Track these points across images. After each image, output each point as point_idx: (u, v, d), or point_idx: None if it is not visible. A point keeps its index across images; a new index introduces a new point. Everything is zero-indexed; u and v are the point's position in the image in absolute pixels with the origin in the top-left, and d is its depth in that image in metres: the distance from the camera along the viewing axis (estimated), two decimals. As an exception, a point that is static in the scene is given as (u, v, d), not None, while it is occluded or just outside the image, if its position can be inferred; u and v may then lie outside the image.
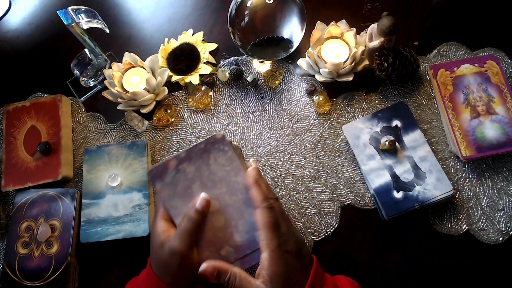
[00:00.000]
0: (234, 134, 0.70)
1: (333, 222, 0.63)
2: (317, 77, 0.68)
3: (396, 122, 0.64)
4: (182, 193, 0.49)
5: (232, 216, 0.49)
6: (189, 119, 0.72)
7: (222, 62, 0.75)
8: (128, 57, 0.71)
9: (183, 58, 0.74)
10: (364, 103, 0.69)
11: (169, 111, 0.71)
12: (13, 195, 0.71)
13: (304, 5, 0.68)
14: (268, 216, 0.46)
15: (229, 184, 0.49)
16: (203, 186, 0.49)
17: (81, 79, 0.74)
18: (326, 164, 0.66)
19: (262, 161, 0.68)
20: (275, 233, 0.45)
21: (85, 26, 0.65)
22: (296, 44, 0.69)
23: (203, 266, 0.46)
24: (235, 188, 0.49)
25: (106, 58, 0.76)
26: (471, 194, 0.62)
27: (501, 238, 0.60)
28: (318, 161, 0.67)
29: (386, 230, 0.62)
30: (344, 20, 0.68)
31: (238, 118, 0.71)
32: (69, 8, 0.64)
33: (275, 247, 0.45)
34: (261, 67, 0.74)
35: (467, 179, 0.63)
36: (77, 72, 0.73)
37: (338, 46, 0.68)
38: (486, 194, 0.62)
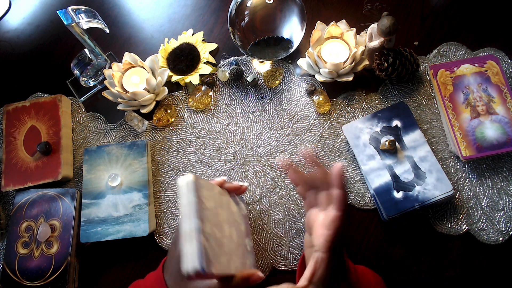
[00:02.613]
0: (234, 134, 0.70)
1: (333, 222, 0.63)
2: (317, 77, 0.68)
3: (396, 122, 0.64)
4: (218, 250, 0.46)
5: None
6: (189, 119, 0.72)
7: (222, 62, 0.75)
8: (128, 57, 0.71)
9: (183, 58, 0.74)
10: (364, 103, 0.69)
11: (169, 111, 0.71)
12: (13, 195, 0.71)
13: (304, 5, 0.68)
14: (342, 223, 0.46)
15: (219, 204, 0.50)
16: (218, 226, 0.47)
17: (81, 79, 0.74)
18: (326, 164, 0.66)
19: (262, 161, 0.68)
20: (339, 237, 0.45)
21: (85, 26, 0.65)
22: (296, 44, 0.69)
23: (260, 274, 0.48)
24: (221, 203, 0.50)
25: (106, 58, 0.76)
26: (471, 194, 0.62)
27: (501, 238, 0.60)
28: (318, 161, 0.66)
29: (386, 230, 0.62)
30: (344, 20, 0.68)
31: (238, 118, 0.71)
32: (69, 8, 0.64)
33: (334, 248, 0.45)
34: (261, 67, 0.74)
35: (467, 179, 0.63)
36: (77, 72, 0.73)
37: (338, 46, 0.68)
38: (486, 194, 0.62)
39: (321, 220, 0.47)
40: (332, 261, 0.45)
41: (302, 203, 0.64)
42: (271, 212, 0.65)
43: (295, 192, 0.65)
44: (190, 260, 0.42)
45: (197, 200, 0.45)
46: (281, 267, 0.62)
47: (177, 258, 0.47)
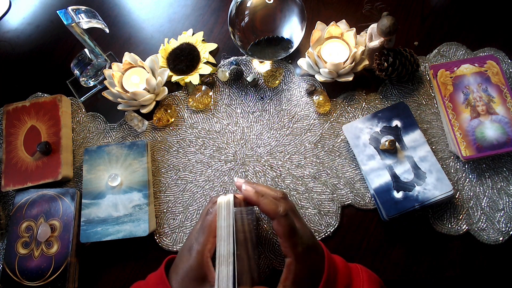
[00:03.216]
0: (234, 134, 0.70)
1: (333, 222, 0.63)
2: (317, 77, 0.68)
3: (396, 122, 0.64)
4: (242, 269, 0.46)
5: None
6: (189, 119, 0.72)
7: (222, 62, 0.75)
8: (128, 57, 0.71)
9: (183, 58, 0.74)
10: (364, 103, 0.69)
11: (169, 111, 0.71)
12: (13, 195, 0.71)
13: (304, 5, 0.68)
14: (286, 225, 0.47)
15: (239, 219, 0.50)
16: (240, 244, 0.48)
17: (81, 79, 0.74)
18: (326, 164, 0.66)
19: (262, 161, 0.68)
20: (294, 238, 0.47)
21: (85, 26, 0.65)
22: (296, 44, 0.69)
23: None
24: (240, 218, 0.51)
25: (106, 58, 0.76)
26: (471, 194, 0.62)
27: (501, 238, 0.60)
28: (318, 161, 0.67)
29: (386, 230, 0.62)
30: (344, 20, 0.68)
31: (238, 118, 0.71)
32: (69, 8, 0.64)
33: (298, 251, 0.47)
34: (261, 67, 0.74)
35: (467, 179, 0.63)
36: (77, 72, 0.73)
37: (338, 46, 0.68)
38: (486, 194, 0.62)
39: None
40: (301, 262, 0.46)
41: (302, 203, 0.65)
42: (271, 212, 0.64)
43: (295, 193, 0.65)
44: (224, 284, 0.44)
45: (234, 223, 0.47)
46: (281, 267, 0.62)
47: (191, 266, 0.48)
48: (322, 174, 0.66)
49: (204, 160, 0.69)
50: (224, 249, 0.45)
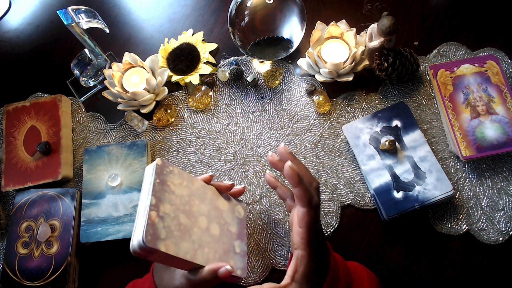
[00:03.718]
0: (234, 134, 0.70)
1: (333, 222, 0.63)
2: (317, 77, 0.68)
3: (396, 122, 0.64)
4: (180, 234, 0.47)
5: (220, 219, 0.52)
6: (189, 119, 0.72)
7: (222, 62, 0.75)
8: (128, 57, 0.71)
9: (183, 58, 0.74)
10: (364, 103, 0.69)
11: (169, 111, 0.71)
12: (13, 195, 0.71)
13: (304, 5, 0.68)
14: (313, 217, 0.46)
15: (197, 196, 0.51)
16: (187, 213, 0.49)
17: (81, 79, 0.74)
18: (326, 164, 0.66)
19: (262, 161, 0.68)
20: (314, 233, 0.46)
21: (85, 26, 0.65)
22: (296, 44, 0.69)
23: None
24: (202, 197, 0.52)
25: (106, 58, 0.76)
26: (471, 194, 0.62)
27: (501, 238, 0.60)
28: (318, 161, 0.67)
29: (386, 230, 0.62)
30: (344, 20, 0.68)
31: (238, 118, 0.71)
32: (69, 8, 0.64)
33: (313, 246, 0.46)
34: (261, 67, 0.74)
35: (467, 179, 0.63)
36: (77, 72, 0.73)
37: (338, 46, 0.68)
38: (486, 194, 0.62)
39: (295, 219, 0.48)
40: (312, 257, 0.46)
41: (302, 203, 0.65)
42: (271, 212, 0.65)
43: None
44: (137, 234, 0.43)
45: (158, 181, 0.47)
46: (281, 267, 0.62)
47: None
48: (322, 174, 0.66)
49: (204, 160, 0.69)
50: (142, 204, 0.45)
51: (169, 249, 0.44)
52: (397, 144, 0.62)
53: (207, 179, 0.54)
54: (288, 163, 0.46)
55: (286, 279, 0.46)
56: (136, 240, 0.43)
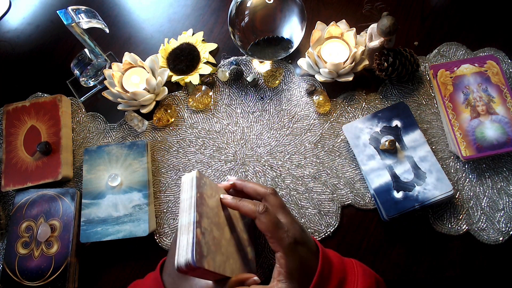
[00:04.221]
0: (234, 134, 0.70)
1: (333, 222, 0.63)
2: (317, 77, 0.68)
3: (396, 122, 0.64)
4: (215, 248, 0.45)
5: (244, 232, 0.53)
6: (189, 119, 0.72)
7: (222, 62, 0.75)
8: (128, 57, 0.71)
9: (183, 58, 0.74)
10: (364, 103, 0.69)
11: (169, 111, 0.71)
12: (13, 195, 0.71)
13: (304, 5, 0.68)
14: (266, 221, 0.47)
15: (221, 205, 0.50)
16: (217, 225, 0.48)
17: (81, 79, 0.74)
18: (326, 164, 0.66)
19: (262, 161, 0.68)
20: (279, 231, 0.47)
21: (85, 26, 0.65)
22: (296, 44, 0.69)
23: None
24: (223, 206, 0.51)
25: (106, 58, 0.76)
26: (471, 194, 0.62)
27: (501, 238, 0.60)
28: (318, 161, 0.67)
29: (386, 230, 0.62)
30: (344, 20, 0.68)
31: (238, 118, 0.71)
32: (69, 8, 0.64)
33: (285, 244, 0.47)
34: (261, 67, 0.74)
35: (467, 179, 0.63)
36: (77, 72, 0.73)
37: (338, 46, 0.68)
38: (486, 194, 0.62)
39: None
40: (290, 256, 0.46)
41: (302, 203, 0.65)
42: (271, 212, 0.64)
43: (295, 193, 0.65)
44: (183, 252, 0.42)
45: (198, 195, 0.46)
46: (281, 267, 0.62)
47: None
48: (322, 174, 0.66)
49: (204, 160, 0.69)
50: (185, 220, 0.44)
51: (210, 266, 0.43)
52: (397, 144, 0.62)
53: (227, 187, 0.54)
54: (221, 196, 0.50)
55: (271, 280, 0.47)
56: (183, 258, 0.41)
